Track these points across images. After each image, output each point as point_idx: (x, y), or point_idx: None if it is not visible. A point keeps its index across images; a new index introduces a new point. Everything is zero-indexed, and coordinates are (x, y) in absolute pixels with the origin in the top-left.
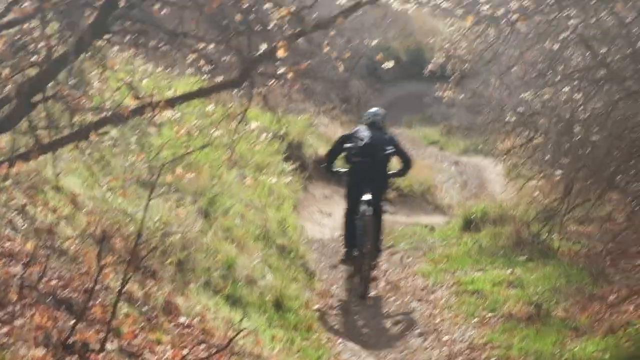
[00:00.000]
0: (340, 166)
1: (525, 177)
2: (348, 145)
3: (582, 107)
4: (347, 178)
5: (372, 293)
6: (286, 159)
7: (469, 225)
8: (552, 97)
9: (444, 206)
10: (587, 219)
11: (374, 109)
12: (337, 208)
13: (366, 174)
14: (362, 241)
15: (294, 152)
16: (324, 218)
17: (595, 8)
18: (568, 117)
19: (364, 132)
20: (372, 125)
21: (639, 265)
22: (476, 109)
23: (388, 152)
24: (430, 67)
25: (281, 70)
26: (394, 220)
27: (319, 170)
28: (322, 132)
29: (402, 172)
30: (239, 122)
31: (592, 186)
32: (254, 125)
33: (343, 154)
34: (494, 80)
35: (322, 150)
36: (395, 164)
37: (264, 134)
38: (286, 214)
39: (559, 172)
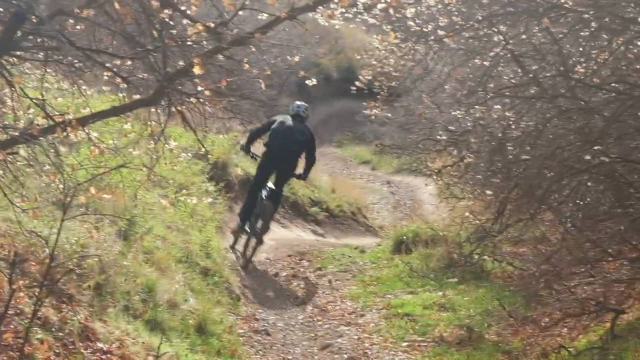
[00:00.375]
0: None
1: (457, 197)
2: (272, 128)
3: (513, 125)
4: (260, 159)
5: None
6: (210, 179)
7: (400, 246)
8: (484, 115)
9: (375, 227)
10: (520, 240)
11: (299, 102)
12: None
13: (279, 158)
14: (255, 221)
15: (218, 172)
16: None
17: (526, 24)
18: (500, 136)
19: (288, 121)
20: (296, 117)
21: (572, 287)
22: (408, 128)
23: (302, 142)
24: (357, 84)
25: (200, 88)
26: (323, 242)
27: (245, 190)
28: None
29: (305, 174)
30: (157, 141)
31: (525, 206)
32: (174, 144)
33: (264, 137)
34: (425, 97)
35: (250, 169)
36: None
37: (186, 154)
38: (210, 236)
39: (490, 192)
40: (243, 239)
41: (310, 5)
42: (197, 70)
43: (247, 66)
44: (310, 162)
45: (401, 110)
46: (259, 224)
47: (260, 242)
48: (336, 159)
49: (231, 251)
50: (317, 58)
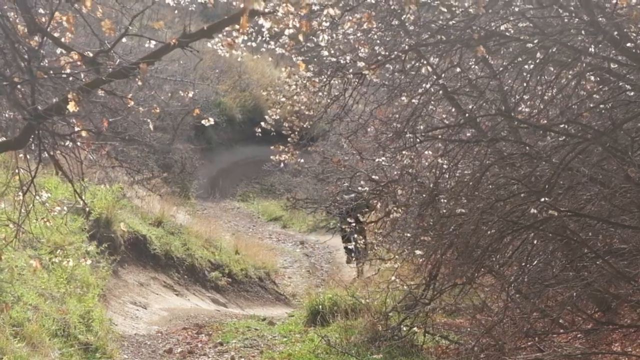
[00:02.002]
0: None
1: (382, 259)
2: None
3: (447, 173)
4: None
5: None
6: (92, 238)
7: (316, 317)
8: (413, 162)
9: (286, 295)
10: (456, 309)
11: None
12: (154, 298)
13: None
14: None
15: (101, 230)
16: (139, 310)
17: (461, 54)
18: (431, 186)
19: None
20: None
21: None
22: (324, 178)
23: None
24: (263, 125)
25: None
26: (225, 312)
27: (133, 252)
28: (136, 206)
29: None
30: (26, 193)
31: (461, 269)
32: (46, 196)
33: None
34: (344, 141)
35: (138, 227)
36: None
37: (61, 207)
38: (91, 305)
39: (421, 252)
40: None
41: (204, 31)
42: (71, 107)
43: (131, 103)
44: None
45: (316, 157)
46: None
47: None
48: (241, 216)
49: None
50: (219, 96)
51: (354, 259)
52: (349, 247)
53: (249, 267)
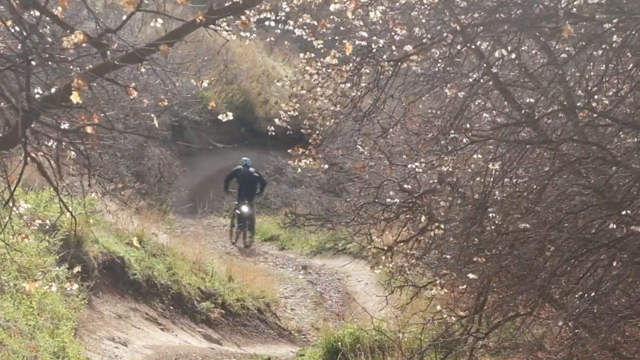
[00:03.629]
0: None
1: (416, 285)
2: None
3: (500, 181)
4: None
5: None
6: (61, 261)
7: (334, 357)
8: (456, 168)
9: (290, 330)
10: (509, 345)
11: (245, 158)
12: (135, 333)
13: (245, 191)
14: (243, 223)
15: (72, 250)
16: (118, 348)
17: (518, 39)
18: (479, 197)
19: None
20: (246, 166)
21: None
22: (335, 187)
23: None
24: (278, 123)
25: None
26: (220, 351)
27: (109, 277)
28: (109, 223)
29: (261, 190)
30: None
31: (516, 298)
32: (25, 206)
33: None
34: (365, 143)
35: (114, 247)
36: None
37: (45, 222)
38: (66, 341)
39: (474, 275)
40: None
41: (237, 4)
42: (75, 97)
43: (134, 93)
44: (263, 186)
45: (326, 162)
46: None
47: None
48: (229, 235)
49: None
50: (201, 90)
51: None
52: (239, 211)
53: (245, 297)
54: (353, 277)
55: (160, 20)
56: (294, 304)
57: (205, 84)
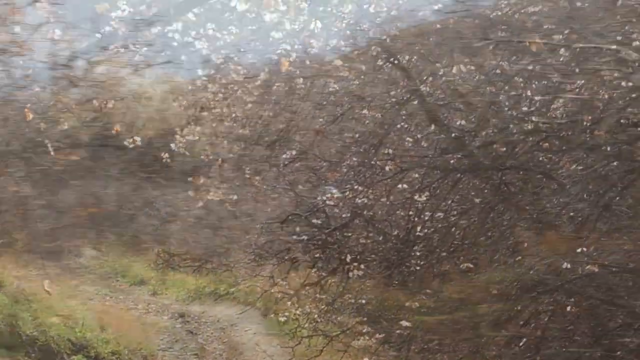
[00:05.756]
0: None
1: (328, 335)
2: None
3: (425, 215)
4: None
5: None
6: None
7: None
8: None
9: None
10: None
11: None
12: None
13: None
14: None
15: None
16: None
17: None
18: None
19: None
20: None
21: None
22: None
23: None
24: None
25: None
26: None
27: None
28: None
29: None
30: None
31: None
32: None
33: None
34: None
35: None
36: None
37: None
38: None
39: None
40: None
41: None
42: None
43: None
44: None
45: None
46: None
47: None
48: (92, 278)
49: None
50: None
51: None
52: None
53: (121, 349)
54: (239, 326)
55: None
56: (172, 359)
57: None
